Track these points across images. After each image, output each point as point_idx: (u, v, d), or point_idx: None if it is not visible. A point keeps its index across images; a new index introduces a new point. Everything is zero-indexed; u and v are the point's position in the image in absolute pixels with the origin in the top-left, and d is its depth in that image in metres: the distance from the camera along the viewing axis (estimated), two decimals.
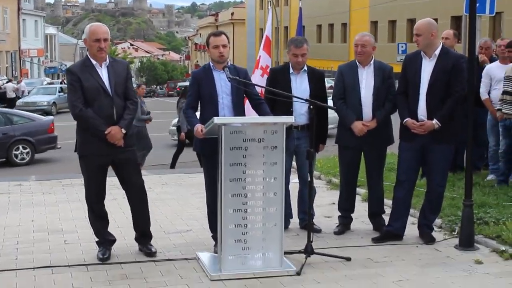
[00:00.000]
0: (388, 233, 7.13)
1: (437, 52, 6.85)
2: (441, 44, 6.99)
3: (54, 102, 36.43)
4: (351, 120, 7.19)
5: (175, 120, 17.90)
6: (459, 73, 6.81)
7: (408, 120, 6.87)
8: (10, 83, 39.70)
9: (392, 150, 8.26)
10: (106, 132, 6.36)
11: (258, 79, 10.83)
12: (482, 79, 9.39)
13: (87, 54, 6.59)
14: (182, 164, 14.75)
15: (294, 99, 7.02)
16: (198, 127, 6.36)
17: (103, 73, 6.48)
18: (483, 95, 9.40)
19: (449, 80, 6.79)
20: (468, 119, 6.85)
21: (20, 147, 17.38)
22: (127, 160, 6.59)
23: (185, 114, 6.75)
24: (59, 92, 37.78)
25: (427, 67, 6.85)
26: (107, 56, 6.54)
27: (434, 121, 6.77)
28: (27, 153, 17.44)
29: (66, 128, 24.53)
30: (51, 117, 19.64)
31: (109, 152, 6.46)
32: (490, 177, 9.64)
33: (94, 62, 6.47)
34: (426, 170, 7.28)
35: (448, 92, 6.80)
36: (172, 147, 17.68)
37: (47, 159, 18.16)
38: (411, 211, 7.45)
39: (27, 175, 13.09)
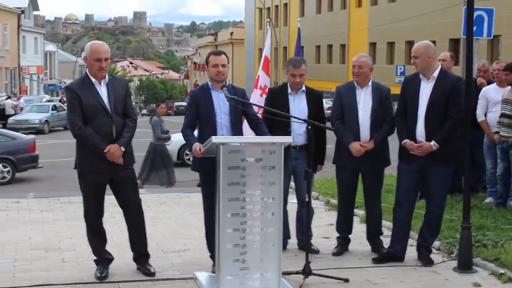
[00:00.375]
0: (389, 254, 7.12)
1: (436, 74, 6.89)
2: (439, 66, 7.03)
3: (46, 120, 35.69)
4: (349, 141, 7.21)
5: None
6: (457, 95, 6.84)
7: (406, 141, 6.90)
8: (9, 100, 39.77)
9: (390, 172, 8.27)
10: (105, 150, 6.37)
11: (257, 99, 10.84)
12: (479, 101, 9.43)
13: (87, 71, 6.60)
14: (181, 184, 14.74)
15: (292, 119, 7.04)
16: (197, 146, 6.36)
17: (102, 91, 6.49)
18: (480, 117, 9.43)
19: (447, 102, 6.82)
20: (465, 141, 6.88)
21: (1, 165, 17.25)
22: (125, 178, 6.59)
23: (183, 133, 6.75)
24: (52, 110, 37.17)
25: (426, 89, 6.88)
26: (106, 73, 6.56)
27: (432, 142, 6.79)
28: (8, 171, 17.31)
29: (59, 146, 24.58)
30: (32, 136, 19.40)
31: (108, 170, 6.47)
32: (488, 199, 9.65)
33: (93, 79, 6.49)
34: (425, 192, 7.29)
35: (446, 114, 6.82)
36: None
37: (30, 178, 18.11)
38: (411, 233, 7.45)
39: (12, 192, 13.03)
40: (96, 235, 6.70)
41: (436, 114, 6.82)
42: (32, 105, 38.98)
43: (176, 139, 17.59)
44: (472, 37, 7.12)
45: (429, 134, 6.83)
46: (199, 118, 6.69)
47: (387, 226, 7.74)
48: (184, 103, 76.28)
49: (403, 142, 6.92)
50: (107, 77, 6.55)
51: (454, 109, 6.82)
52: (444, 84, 6.85)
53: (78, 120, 6.40)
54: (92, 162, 6.45)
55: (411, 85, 7.00)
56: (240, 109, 6.66)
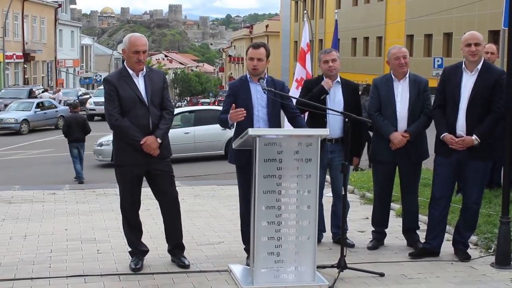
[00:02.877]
0: (425, 250, 7.03)
1: (479, 66, 6.74)
2: (483, 58, 6.86)
3: (25, 120, 30.68)
4: (390, 131, 7.10)
5: (102, 139, 17.88)
6: (500, 89, 6.68)
7: (446, 135, 6.76)
8: (46, 93, 40.21)
9: (427, 165, 8.16)
10: (141, 142, 6.38)
11: (293, 92, 10.83)
12: None
13: (124, 63, 6.62)
14: (215, 176, 14.76)
15: (329, 111, 6.97)
16: (230, 111, 6.32)
17: (140, 83, 6.50)
18: None
19: (490, 96, 6.67)
20: (506, 134, 6.74)
21: None
22: (162, 171, 6.60)
23: (218, 119, 6.70)
24: (36, 108, 32.12)
25: (468, 82, 6.72)
26: (144, 66, 6.56)
27: (474, 137, 6.65)
28: None
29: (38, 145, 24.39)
30: None
31: (145, 162, 6.48)
32: None
33: (131, 72, 6.50)
34: (461, 186, 7.15)
35: (488, 108, 6.68)
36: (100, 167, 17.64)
37: None
38: (447, 227, 7.34)
39: None
40: (132, 227, 6.72)
41: (478, 108, 6.67)
42: (17, 103, 33.94)
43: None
44: None
45: (470, 128, 6.68)
46: None
47: (423, 221, 7.64)
48: (208, 100, 76.85)
49: (443, 135, 6.78)
50: (144, 69, 6.55)
51: (497, 103, 6.68)
52: (487, 78, 6.69)
53: (116, 111, 6.42)
54: (129, 154, 6.46)
55: (452, 77, 6.83)
56: (278, 102, 6.62)
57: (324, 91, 7.21)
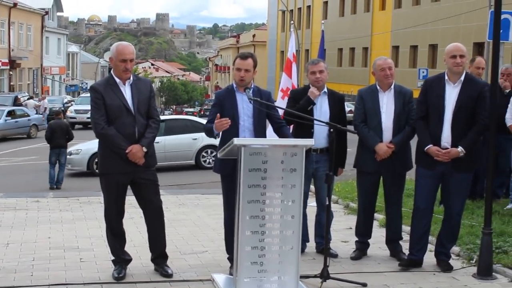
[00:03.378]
0: (412, 261, 7.02)
1: (462, 78, 6.77)
2: (465, 70, 6.90)
3: None
4: (375, 142, 7.12)
5: (71, 149, 17.69)
6: (484, 100, 6.73)
7: (431, 147, 6.75)
8: (31, 100, 40.00)
9: (411, 176, 8.19)
10: (127, 150, 6.37)
11: (279, 102, 10.82)
12: (509, 106, 9.25)
13: (111, 72, 6.61)
14: (199, 185, 14.75)
15: (315, 122, 6.99)
16: (216, 121, 6.33)
17: (127, 92, 6.50)
18: (509, 121, 9.28)
19: (474, 108, 6.70)
20: (489, 146, 6.78)
21: None
22: (147, 180, 6.59)
23: (204, 128, 6.72)
24: (6, 116, 30.39)
25: (452, 94, 6.73)
26: (131, 74, 6.56)
27: (460, 149, 6.67)
28: None
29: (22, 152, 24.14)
30: None
31: (130, 170, 6.46)
32: (510, 206, 9.53)
33: (117, 80, 6.50)
34: (444, 198, 7.15)
35: (472, 119, 6.71)
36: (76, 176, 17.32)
37: None
38: (430, 238, 7.37)
39: None
40: (116, 236, 6.70)
41: (463, 119, 6.69)
42: None
43: (87, 148, 17.68)
44: (499, 41, 7.01)
45: (455, 139, 6.70)
46: None
47: (406, 231, 7.66)
48: (192, 110, 76.74)
49: (427, 147, 6.76)
50: (131, 78, 6.55)
51: (481, 115, 6.71)
52: (471, 89, 6.72)
53: (102, 120, 6.41)
54: (114, 162, 6.45)
55: (435, 88, 6.83)
56: (264, 112, 6.63)
57: (311, 102, 7.23)
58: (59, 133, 15.24)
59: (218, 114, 6.40)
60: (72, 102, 45.49)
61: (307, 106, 7.21)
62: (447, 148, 6.72)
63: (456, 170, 6.75)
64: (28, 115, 32.32)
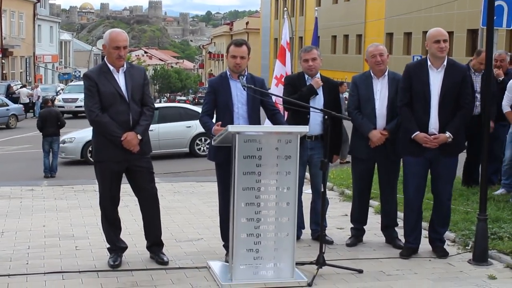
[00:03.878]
0: (411, 249, 7.01)
1: (445, 63, 6.76)
2: (446, 55, 6.89)
3: None
4: (369, 129, 7.12)
5: (65, 137, 17.73)
6: (467, 84, 6.77)
7: (419, 134, 6.72)
8: (24, 89, 39.85)
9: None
10: (121, 138, 6.35)
11: (273, 89, 10.83)
12: (506, 93, 9.24)
13: (105, 59, 6.58)
14: (194, 173, 14.74)
15: (310, 108, 6.98)
16: (215, 126, 6.35)
17: (120, 79, 6.47)
18: (505, 108, 9.27)
19: (459, 92, 6.71)
20: (484, 133, 6.79)
21: None
22: (142, 167, 6.57)
23: (201, 120, 6.72)
24: None
25: (436, 79, 6.71)
26: (125, 62, 6.53)
27: (448, 134, 6.68)
28: None
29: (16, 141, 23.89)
30: None
31: (125, 158, 6.45)
32: (500, 191, 9.54)
33: (111, 67, 6.47)
34: (433, 183, 7.10)
35: (457, 104, 6.71)
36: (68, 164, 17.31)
37: None
38: (423, 224, 7.39)
39: None
40: (111, 224, 6.69)
41: (448, 105, 6.69)
42: None
43: (80, 136, 17.66)
44: (493, 28, 7.00)
45: (442, 125, 6.70)
46: (217, 107, 6.65)
47: (401, 217, 7.67)
48: (184, 98, 76.52)
49: (415, 134, 6.73)
50: (125, 65, 6.52)
51: (465, 99, 6.73)
52: (454, 74, 6.72)
53: (96, 107, 6.38)
54: (109, 150, 6.43)
55: (418, 74, 6.77)
56: (258, 99, 6.62)
57: (313, 92, 7.21)
58: (49, 121, 15.27)
59: (220, 122, 6.37)
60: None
61: (309, 95, 7.20)
62: (435, 134, 6.71)
63: (443, 155, 6.75)
64: (7, 105, 31.20)
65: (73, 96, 36.65)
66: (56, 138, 15.48)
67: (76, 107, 35.63)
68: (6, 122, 30.47)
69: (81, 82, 40.19)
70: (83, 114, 33.11)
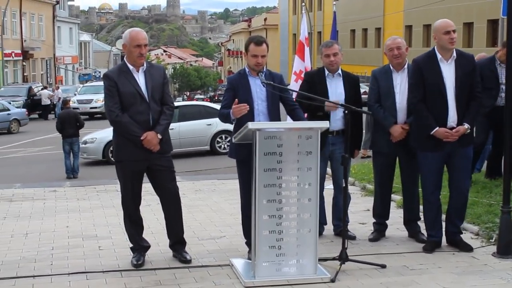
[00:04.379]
0: (435, 243, 6.97)
1: (454, 54, 6.69)
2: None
3: None
4: (390, 123, 7.08)
5: (86, 137, 17.87)
6: (476, 73, 6.73)
7: (439, 129, 6.62)
8: (45, 90, 40.05)
9: None
10: (141, 137, 6.36)
11: (292, 84, 10.80)
12: None
13: (124, 59, 6.59)
14: (215, 171, 14.76)
15: (329, 103, 6.95)
16: (233, 106, 6.29)
17: (140, 78, 6.48)
18: None
19: (472, 82, 6.66)
20: (507, 126, 6.71)
21: None
22: (162, 166, 6.58)
23: (219, 113, 6.66)
24: None
25: (448, 71, 6.64)
26: (145, 61, 6.55)
27: (466, 125, 6.63)
28: None
29: (39, 142, 23.87)
30: None
31: (145, 157, 6.46)
32: None
33: (131, 67, 6.48)
34: (451, 176, 7.01)
35: (470, 95, 6.66)
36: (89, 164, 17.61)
37: None
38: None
39: None
40: (133, 223, 6.71)
41: (464, 96, 6.63)
42: None
43: (102, 136, 17.70)
44: None
45: (460, 117, 6.64)
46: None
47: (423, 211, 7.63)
48: (202, 96, 76.55)
49: (435, 130, 6.63)
50: (145, 65, 6.53)
51: (477, 88, 6.69)
52: (465, 65, 6.66)
53: (116, 107, 6.40)
54: (130, 150, 6.45)
55: (429, 68, 6.67)
56: (278, 95, 6.60)
57: (321, 110, 7.15)
58: (68, 122, 15.39)
59: (237, 100, 6.36)
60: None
61: (316, 111, 7.14)
62: (454, 128, 6.65)
63: (461, 146, 6.71)
64: (8, 109, 29.84)
65: (88, 97, 36.36)
66: (76, 139, 15.54)
67: (91, 108, 35.53)
68: (7, 127, 29.19)
69: (97, 83, 39.87)
70: (99, 115, 33.29)
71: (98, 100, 34.20)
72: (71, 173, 15.13)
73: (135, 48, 6.40)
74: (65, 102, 17.04)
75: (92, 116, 34.99)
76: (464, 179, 6.88)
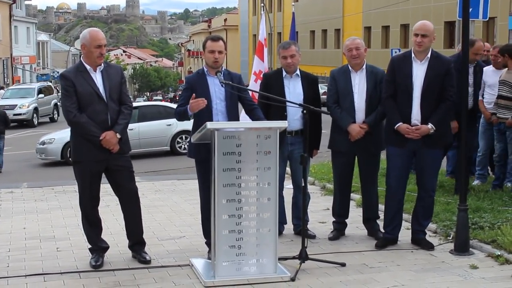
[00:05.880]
0: (388, 240, 7.07)
1: (429, 55, 6.79)
2: (431, 48, 6.91)
3: None
4: (348, 123, 7.13)
5: (44, 138, 17.95)
6: (451, 77, 6.78)
7: (401, 124, 6.78)
8: (1, 90, 39.45)
9: (385, 156, 8.22)
10: (100, 137, 6.31)
11: (252, 85, 10.82)
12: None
13: (81, 59, 6.53)
14: (175, 171, 14.70)
15: (288, 104, 6.97)
16: (190, 101, 6.29)
17: (97, 78, 6.42)
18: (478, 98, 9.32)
19: (442, 84, 6.74)
20: (461, 123, 6.83)
21: None
22: (121, 166, 6.54)
23: (175, 111, 6.66)
24: None
25: (419, 71, 6.76)
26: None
27: (430, 125, 6.71)
28: None
29: None
30: None
31: (104, 158, 6.41)
32: (476, 182, 9.59)
33: (88, 67, 6.42)
34: (417, 176, 7.14)
35: (440, 96, 6.74)
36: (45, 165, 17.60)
37: None
38: (405, 216, 7.42)
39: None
40: (92, 224, 6.65)
41: (431, 96, 6.72)
42: None
43: (60, 137, 17.63)
44: (468, 19, 7.04)
45: (424, 116, 6.73)
46: None
47: (383, 210, 7.69)
48: (160, 98, 76.11)
49: (397, 125, 6.79)
50: (102, 65, 6.48)
51: (449, 91, 6.76)
52: (438, 66, 6.75)
53: (74, 107, 6.33)
54: (88, 150, 6.38)
55: (401, 66, 6.83)
56: (236, 95, 6.60)
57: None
58: None
59: (194, 95, 6.34)
60: None
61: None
62: (417, 125, 6.74)
63: (427, 147, 6.79)
64: None
65: (12, 102, 31.17)
66: (2, 136, 16.56)
67: (15, 115, 29.65)
68: None
69: (26, 85, 37.20)
70: (26, 123, 30.56)
71: (24, 105, 30.79)
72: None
73: (96, 49, 6.35)
74: None
75: (21, 123, 30.51)
76: (429, 179, 6.95)
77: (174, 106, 19.87)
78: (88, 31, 6.48)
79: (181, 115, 6.55)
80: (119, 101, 6.53)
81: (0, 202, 10.17)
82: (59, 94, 35.94)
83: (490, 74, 9.25)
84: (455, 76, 6.81)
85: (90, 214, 6.61)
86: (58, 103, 33.91)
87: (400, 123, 6.77)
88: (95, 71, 6.44)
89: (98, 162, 6.44)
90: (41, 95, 32.83)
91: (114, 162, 6.49)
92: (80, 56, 6.52)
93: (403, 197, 7.11)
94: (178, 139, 18.55)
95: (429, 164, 6.89)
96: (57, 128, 23.20)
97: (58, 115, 33.92)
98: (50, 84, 35.91)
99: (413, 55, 6.82)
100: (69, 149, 16.46)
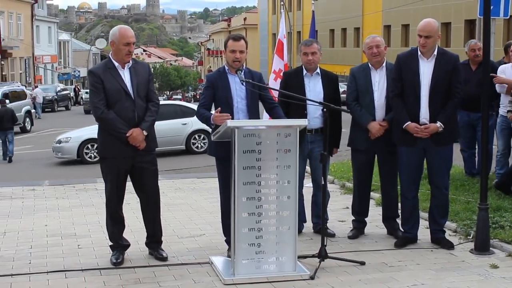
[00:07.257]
0: (407, 239, 7.06)
1: (435, 53, 6.75)
2: (437, 45, 6.86)
3: None
4: (368, 121, 7.12)
5: (61, 137, 18.08)
6: (458, 73, 6.76)
7: (410, 124, 6.73)
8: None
9: None
10: (127, 134, 6.35)
11: (271, 83, 10.83)
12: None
13: (110, 55, 6.57)
14: (195, 169, 14.74)
15: (308, 102, 6.98)
16: (214, 113, 6.31)
17: (125, 75, 6.46)
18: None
19: (449, 81, 6.70)
20: (483, 123, 6.78)
21: None
22: (147, 163, 6.57)
23: (197, 112, 6.68)
24: None
25: (426, 69, 6.72)
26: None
27: (438, 123, 6.68)
28: None
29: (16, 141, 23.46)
30: None
31: (131, 154, 6.45)
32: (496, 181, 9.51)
33: (116, 64, 6.46)
34: (429, 174, 7.09)
35: (447, 93, 6.71)
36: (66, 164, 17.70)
37: None
38: (424, 215, 7.40)
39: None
40: (115, 221, 6.68)
41: (439, 94, 6.68)
42: None
43: (76, 136, 17.77)
44: (490, 17, 7.00)
45: (432, 114, 6.69)
46: (216, 102, 6.63)
47: None
48: (179, 96, 76.05)
49: (406, 124, 6.74)
50: (130, 62, 6.51)
51: (456, 88, 6.72)
52: (444, 63, 6.71)
53: (101, 104, 6.37)
54: (115, 147, 6.43)
55: (408, 64, 6.79)
56: (257, 93, 6.61)
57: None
58: (5, 118, 18.99)
59: (219, 108, 6.36)
60: (69, 90, 42.64)
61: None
62: (426, 124, 6.72)
63: (436, 145, 6.76)
64: None
65: None
66: (10, 131, 18.87)
67: None
68: None
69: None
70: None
71: None
72: (7, 156, 18.22)
73: (124, 46, 6.40)
74: (2, 101, 20.03)
75: None
76: (440, 177, 6.92)
77: (190, 105, 20.10)
78: (118, 28, 6.52)
79: (205, 121, 6.58)
80: (146, 98, 6.57)
81: (23, 200, 10.27)
82: (36, 98, 35.50)
83: (509, 71, 9.16)
84: (461, 72, 6.79)
85: (115, 211, 6.65)
86: (32, 110, 30.94)
87: (409, 122, 6.74)
88: (123, 68, 6.48)
89: (125, 159, 6.48)
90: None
91: (140, 159, 6.53)
92: (101, 55, 6.55)
93: (417, 195, 7.08)
94: (193, 138, 18.57)
95: (439, 162, 6.87)
96: (32, 140, 23.18)
97: (32, 124, 29.82)
98: (22, 87, 32.40)
99: (419, 52, 6.78)
100: (85, 147, 16.91)
